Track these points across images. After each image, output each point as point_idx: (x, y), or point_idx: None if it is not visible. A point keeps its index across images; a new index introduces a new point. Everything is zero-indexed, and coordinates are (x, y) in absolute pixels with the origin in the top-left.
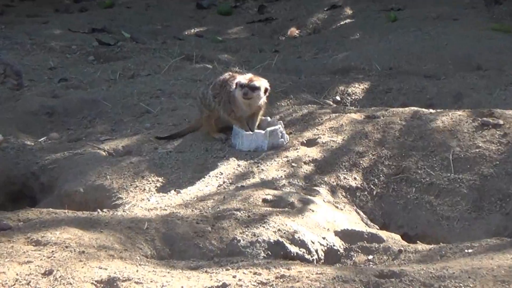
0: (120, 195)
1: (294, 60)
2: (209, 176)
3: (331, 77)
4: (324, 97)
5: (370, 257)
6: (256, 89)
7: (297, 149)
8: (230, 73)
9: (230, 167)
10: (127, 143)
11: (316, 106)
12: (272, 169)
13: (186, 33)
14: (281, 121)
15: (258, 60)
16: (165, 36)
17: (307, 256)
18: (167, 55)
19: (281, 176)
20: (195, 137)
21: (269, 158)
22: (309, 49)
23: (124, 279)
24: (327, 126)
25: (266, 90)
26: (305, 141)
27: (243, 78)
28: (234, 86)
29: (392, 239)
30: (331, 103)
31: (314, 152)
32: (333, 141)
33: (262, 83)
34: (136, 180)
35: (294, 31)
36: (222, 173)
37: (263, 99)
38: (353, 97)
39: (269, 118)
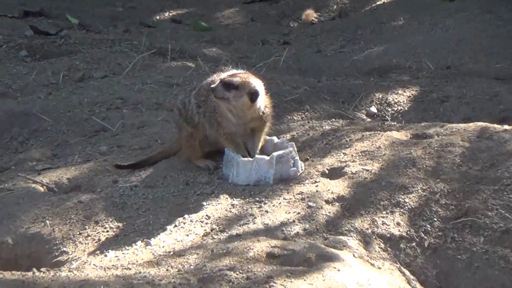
0: (64, 248)
1: (311, 56)
2: (191, 221)
3: (363, 80)
4: (353, 108)
5: None
6: (232, 87)
7: (315, 182)
8: (221, 74)
9: (220, 208)
10: (75, 174)
11: (343, 121)
12: (281, 210)
13: (158, 17)
14: (293, 143)
15: (260, 55)
16: (128, 22)
17: None
18: (131, 49)
19: (293, 221)
20: (171, 165)
21: (276, 195)
22: (332, 40)
23: None
24: (358, 150)
25: (252, 94)
26: (327, 171)
27: (227, 73)
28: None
29: None
30: (364, 117)
31: (339, 187)
32: (367, 170)
33: (248, 83)
34: (87, 227)
35: (311, 14)
36: (209, 217)
37: (260, 108)
38: (395, 108)
39: (276, 139)
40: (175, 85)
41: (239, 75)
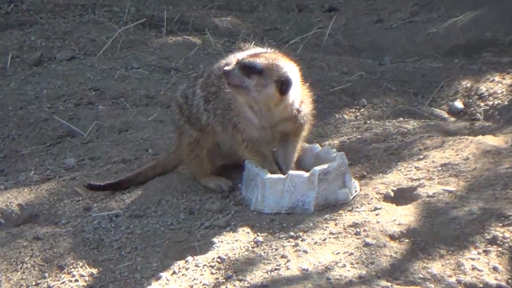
0: None
1: (368, 28)
2: (197, 265)
3: (444, 62)
4: (430, 102)
5: None
6: (254, 72)
7: (375, 208)
8: (238, 54)
9: (239, 246)
10: (29, 199)
11: (415, 122)
12: (325, 250)
13: None
14: (343, 153)
15: (296, 27)
16: None
17: None
18: (110, 18)
19: (343, 265)
20: (168, 185)
21: (319, 228)
22: (398, 5)
23: None
24: (437, 162)
25: (282, 83)
26: (392, 193)
27: (247, 53)
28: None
29: None
30: (445, 115)
31: (410, 216)
32: (449, 192)
33: (276, 66)
34: (47, 275)
35: None
36: (222, 260)
37: (294, 103)
38: (490, 103)
39: (318, 147)
40: (174, 70)
41: (264, 55)
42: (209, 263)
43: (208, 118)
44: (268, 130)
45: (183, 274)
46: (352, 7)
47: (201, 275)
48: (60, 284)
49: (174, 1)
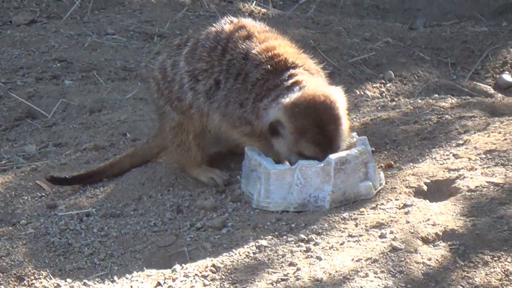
0: None
1: None
2: (187, 275)
3: (490, 26)
4: (473, 74)
5: None
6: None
7: (405, 205)
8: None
9: (238, 252)
10: None
11: (453, 99)
12: (343, 256)
13: None
14: (365, 137)
15: None
16: None
17: None
18: None
19: (366, 274)
20: (150, 178)
21: (336, 230)
22: None
23: None
24: (481, 149)
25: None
26: (425, 186)
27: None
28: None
29: None
30: (491, 91)
31: (447, 214)
32: (496, 185)
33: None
34: (3, 287)
35: None
36: (218, 268)
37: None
38: None
39: None
40: (157, 36)
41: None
42: (201, 272)
43: (195, 100)
44: None
45: (169, 286)
46: None
47: (192, 287)
48: None
49: None
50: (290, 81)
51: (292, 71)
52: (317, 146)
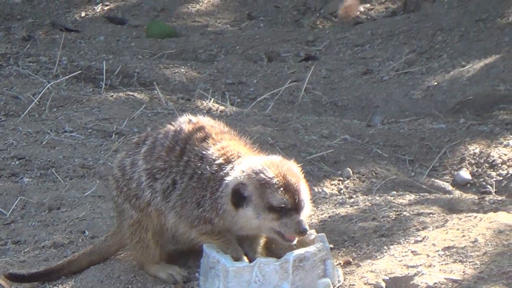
0: None
1: (354, 81)
2: None
3: (447, 123)
4: (430, 171)
5: None
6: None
7: None
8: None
9: None
10: None
11: (411, 196)
12: None
13: (84, 14)
14: (324, 235)
15: (265, 80)
16: (31, 22)
17: None
18: (36, 70)
19: None
20: (108, 275)
21: None
22: (391, 52)
23: None
24: (439, 246)
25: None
26: (383, 282)
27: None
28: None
29: None
30: (449, 188)
31: None
32: (455, 282)
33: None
34: None
35: (353, 5)
36: None
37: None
38: (504, 172)
39: None
40: (115, 134)
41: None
42: None
43: (153, 198)
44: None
45: None
46: (334, 56)
47: None
48: None
49: (115, 50)
50: (243, 160)
51: (244, 157)
52: (285, 193)
